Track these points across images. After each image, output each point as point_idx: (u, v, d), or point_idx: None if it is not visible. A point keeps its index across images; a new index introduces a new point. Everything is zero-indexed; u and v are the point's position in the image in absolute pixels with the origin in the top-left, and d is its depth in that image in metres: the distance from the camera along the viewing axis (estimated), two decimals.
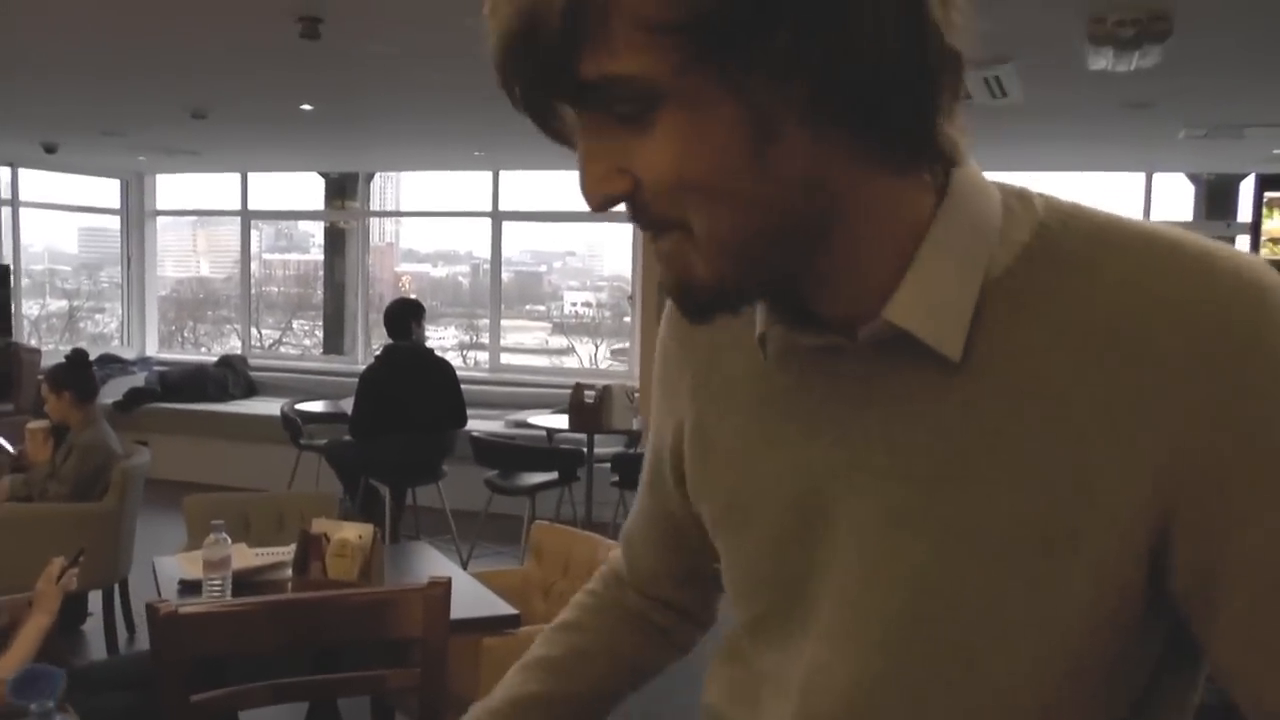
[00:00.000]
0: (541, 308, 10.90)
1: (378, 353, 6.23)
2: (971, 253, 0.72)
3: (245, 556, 3.24)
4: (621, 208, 0.70)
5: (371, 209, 9.85)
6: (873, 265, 0.73)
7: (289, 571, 3.05)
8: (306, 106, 5.91)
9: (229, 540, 2.94)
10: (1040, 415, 0.70)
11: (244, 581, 3.08)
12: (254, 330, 10.36)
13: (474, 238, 9.87)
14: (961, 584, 0.73)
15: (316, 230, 10.37)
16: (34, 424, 4.77)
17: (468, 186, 9.19)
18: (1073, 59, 4.01)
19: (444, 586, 1.81)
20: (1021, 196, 0.76)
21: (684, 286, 0.71)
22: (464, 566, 5.73)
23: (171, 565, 3.30)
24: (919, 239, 0.72)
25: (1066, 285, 0.70)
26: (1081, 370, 0.69)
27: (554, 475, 5.96)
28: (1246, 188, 7.20)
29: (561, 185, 8.92)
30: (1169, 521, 0.67)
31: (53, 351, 8.69)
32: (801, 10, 0.62)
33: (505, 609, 2.93)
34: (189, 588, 3.07)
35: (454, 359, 9.78)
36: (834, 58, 0.63)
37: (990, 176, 0.77)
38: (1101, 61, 3.96)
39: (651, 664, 1.10)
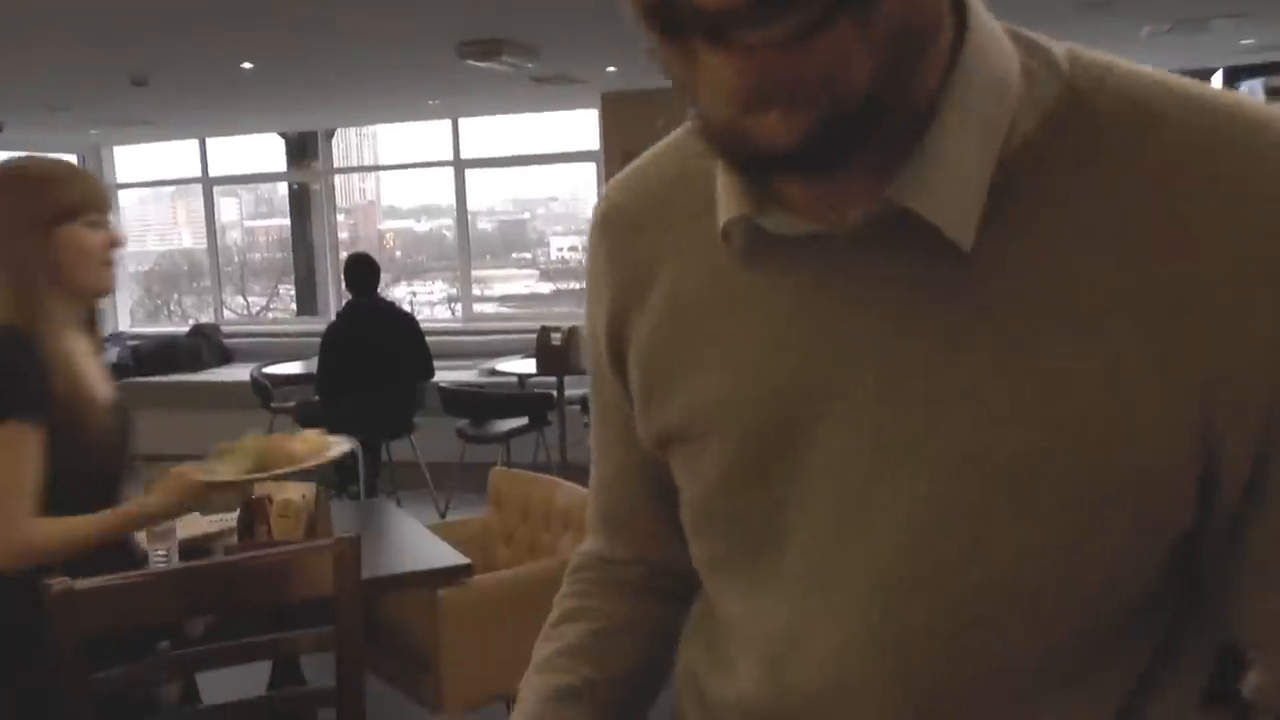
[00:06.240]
0: (528, 255, 10.77)
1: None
2: (990, 117, 0.59)
3: (196, 525, 3.18)
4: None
5: (337, 166, 9.66)
6: (903, 119, 0.57)
7: None
8: (247, 65, 5.76)
9: None
10: (1067, 326, 0.58)
11: (196, 549, 3.03)
12: (240, 298, 10.21)
13: (455, 189, 9.76)
14: (969, 532, 0.61)
15: None
16: None
17: (436, 136, 8.95)
18: None
19: (353, 542, 1.75)
20: (1038, 47, 0.62)
21: (831, 104, 0.51)
22: (442, 517, 5.72)
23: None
24: (933, 92, 0.58)
25: (1101, 162, 0.58)
26: (1118, 270, 0.57)
27: (525, 420, 5.92)
28: (1217, 83, 7.07)
29: (528, 128, 8.72)
30: (1215, 444, 0.57)
31: None
32: None
33: (457, 559, 2.87)
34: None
35: (442, 311, 9.66)
36: None
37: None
38: None
39: (677, 626, 0.91)
